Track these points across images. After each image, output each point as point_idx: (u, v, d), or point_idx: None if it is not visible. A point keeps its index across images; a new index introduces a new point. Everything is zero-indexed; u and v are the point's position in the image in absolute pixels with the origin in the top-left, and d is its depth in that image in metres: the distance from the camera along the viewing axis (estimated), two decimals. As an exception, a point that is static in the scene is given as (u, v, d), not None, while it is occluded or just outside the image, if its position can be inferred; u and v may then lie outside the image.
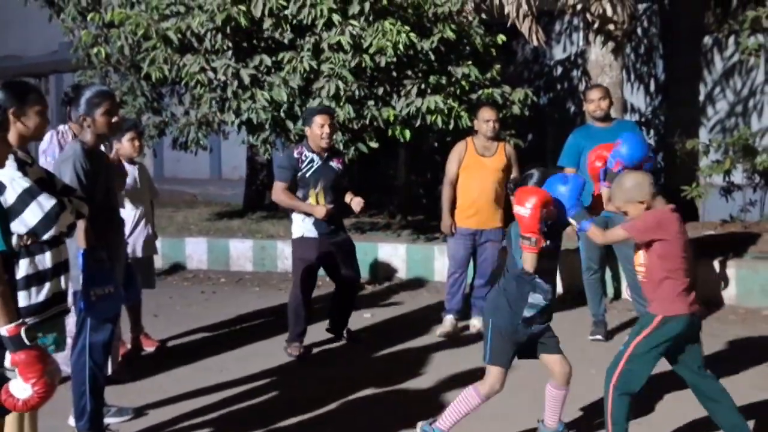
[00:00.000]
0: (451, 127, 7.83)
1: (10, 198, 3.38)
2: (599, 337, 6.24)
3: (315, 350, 6.13)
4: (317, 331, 6.30)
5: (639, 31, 11.29)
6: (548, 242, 3.93)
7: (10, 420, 3.49)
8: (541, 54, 11.90)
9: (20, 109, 3.53)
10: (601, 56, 8.47)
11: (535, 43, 8.36)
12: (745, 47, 8.19)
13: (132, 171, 5.78)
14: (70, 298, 3.93)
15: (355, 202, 5.96)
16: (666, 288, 3.79)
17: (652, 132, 10.99)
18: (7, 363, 2.74)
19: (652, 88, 11.36)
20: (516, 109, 8.19)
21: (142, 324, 6.07)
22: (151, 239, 5.99)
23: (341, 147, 7.66)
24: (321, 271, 6.18)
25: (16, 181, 3.42)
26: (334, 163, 5.99)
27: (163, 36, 7.93)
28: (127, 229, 5.68)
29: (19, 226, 3.41)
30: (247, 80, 7.77)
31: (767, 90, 10.31)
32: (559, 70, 11.94)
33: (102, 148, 5.09)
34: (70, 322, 4.15)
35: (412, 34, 7.53)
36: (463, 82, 7.93)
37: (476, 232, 6.38)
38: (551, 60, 11.99)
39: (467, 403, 4.04)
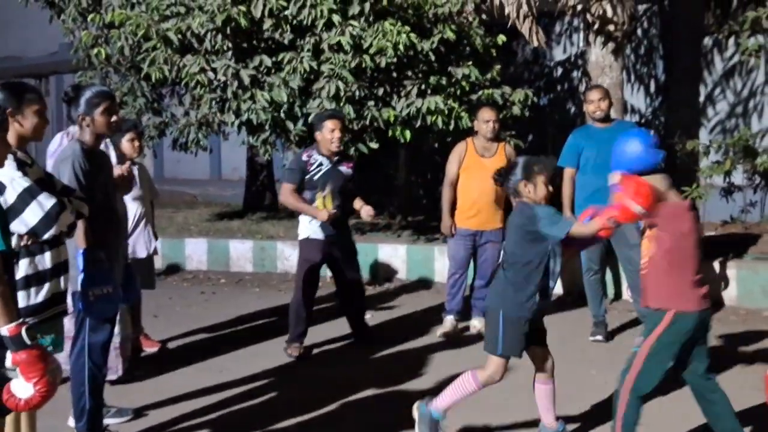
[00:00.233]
0: (451, 127, 7.83)
1: (10, 198, 3.38)
2: (599, 337, 6.23)
3: (315, 351, 6.13)
4: (317, 332, 6.30)
5: (639, 32, 11.29)
6: None
7: (8, 421, 3.49)
8: (541, 55, 11.90)
9: (18, 109, 3.53)
10: (601, 57, 8.46)
11: (536, 43, 8.36)
12: (745, 48, 8.18)
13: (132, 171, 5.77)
14: (69, 299, 3.93)
15: (365, 211, 6.00)
16: (675, 283, 3.74)
17: (652, 133, 10.98)
18: (8, 363, 2.74)
19: (652, 89, 11.36)
20: (516, 110, 8.18)
21: (141, 324, 6.07)
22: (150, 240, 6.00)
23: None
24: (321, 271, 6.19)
25: (16, 181, 3.42)
26: (343, 168, 6.02)
27: (163, 37, 7.93)
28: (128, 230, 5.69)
29: (20, 225, 3.41)
30: (247, 81, 7.77)
31: (767, 91, 10.31)
32: (560, 70, 11.94)
33: (111, 150, 5.14)
34: (68, 322, 4.14)
35: (412, 35, 7.53)
36: (464, 83, 7.93)
37: (476, 233, 6.38)
38: (551, 61, 11.99)
39: (464, 388, 4.08)
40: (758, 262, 7.29)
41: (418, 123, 7.86)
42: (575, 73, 11.62)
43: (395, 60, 7.55)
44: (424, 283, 8.33)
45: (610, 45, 8.39)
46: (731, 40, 10.03)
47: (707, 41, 10.70)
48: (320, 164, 5.92)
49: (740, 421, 4.08)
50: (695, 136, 9.46)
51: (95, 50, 8.95)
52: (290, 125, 7.95)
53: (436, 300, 7.49)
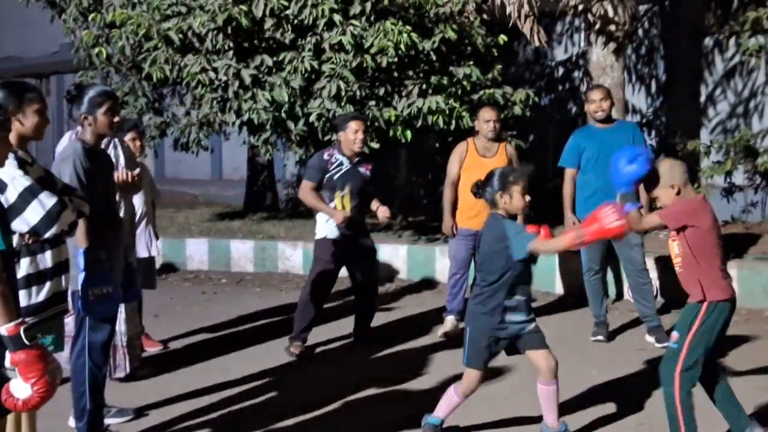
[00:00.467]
0: (452, 127, 7.83)
1: (11, 196, 3.38)
2: (601, 338, 6.22)
3: (316, 350, 6.12)
4: (318, 332, 6.29)
5: (640, 32, 11.29)
6: None
7: (8, 421, 3.48)
8: (542, 55, 11.90)
9: (19, 108, 3.52)
10: (603, 57, 8.46)
11: (537, 43, 8.36)
12: (745, 48, 8.18)
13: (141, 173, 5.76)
14: (69, 298, 3.93)
15: (381, 211, 6.04)
16: (706, 275, 3.84)
17: (653, 133, 10.99)
18: (8, 363, 2.73)
19: (653, 89, 11.36)
20: (517, 110, 8.18)
21: (143, 324, 6.06)
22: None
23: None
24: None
25: (17, 180, 3.41)
26: (363, 169, 6.06)
27: (164, 36, 7.93)
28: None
29: (21, 224, 3.41)
30: (248, 80, 7.77)
31: (768, 91, 10.32)
32: (561, 70, 11.95)
33: (120, 150, 5.12)
34: (69, 322, 4.14)
35: (413, 35, 7.53)
36: (465, 83, 7.93)
37: (477, 233, 6.33)
38: (552, 61, 12.00)
39: (449, 401, 4.21)
40: (759, 262, 7.29)
41: (419, 123, 7.86)
42: (576, 73, 11.62)
43: (396, 60, 7.55)
44: (425, 284, 8.32)
45: (611, 45, 8.39)
46: (732, 41, 10.04)
47: (708, 41, 10.71)
48: (341, 164, 5.96)
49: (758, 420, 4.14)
50: (696, 136, 9.45)
51: (96, 50, 8.96)
52: (291, 125, 7.95)
53: (437, 300, 7.48)
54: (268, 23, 7.69)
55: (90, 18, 9.09)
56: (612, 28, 8.33)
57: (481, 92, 8.02)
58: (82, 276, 3.89)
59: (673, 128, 9.80)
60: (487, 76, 8.16)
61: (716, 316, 3.85)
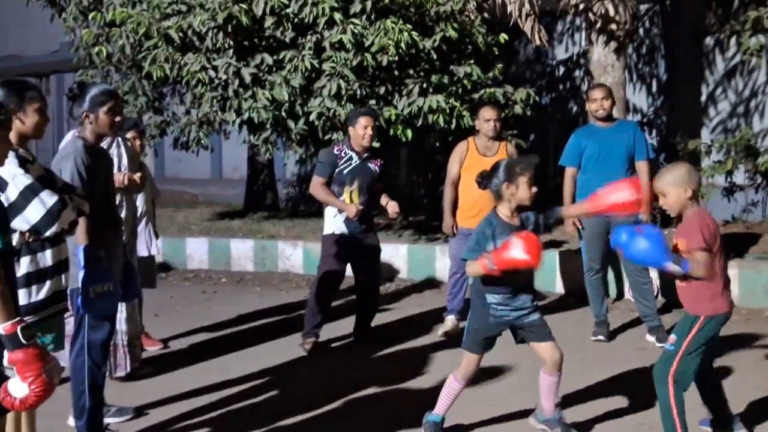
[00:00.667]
0: (452, 126, 7.82)
1: (12, 195, 3.37)
2: (601, 337, 6.21)
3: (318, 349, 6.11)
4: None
5: (641, 31, 11.28)
6: None
7: (8, 420, 3.48)
8: (543, 54, 11.89)
9: (19, 107, 3.52)
10: (604, 56, 8.45)
11: (538, 42, 8.35)
12: (746, 48, 8.17)
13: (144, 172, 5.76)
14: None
15: (391, 206, 6.05)
16: (708, 289, 3.87)
17: (654, 132, 10.98)
18: (6, 362, 2.72)
19: (654, 88, 11.35)
20: (518, 109, 8.18)
21: (143, 324, 6.05)
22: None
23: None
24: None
25: (18, 178, 3.41)
26: (372, 164, 6.09)
27: (164, 35, 7.93)
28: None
29: (21, 222, 3.40)
30: (248, 79, 7.76)
31: (769, 91, 10.31)
32: (562, 69, 11.94)
33: (123, 149, 5.12)
34: (69, 321, 4.13)
35: (414, 33, 7.52)
36: (465, 82, 7.92)
37: (478, 233, 6.35)
38: (553, 60, 11.99)
39: (450, 389, 4.23)
40: (760, 261, 7.28)
41: (420, 122, 7.85)
42: (577, 72, 11.62)
43: (397, 58, 7.54)
44: (425, 283, 8.32)
45: (612, 44, 8.39)
46: (733, 40, 10.02)
47: (709, 41, 10.70)
48: (350, 159, 6.00)
49: (743, 420, 4.21)
50: (697, 136, 9.45)
51: (96, 49, 8.95)
52: (291, 124, 7.94)
53: (437, 299, 7.48)
54: (269, 22, 7.68)
55: (90, 17, 9.09)
56: (613, 27, 8.32)
57: (482, 91, 8.01)
58: (81, 274, 3.88)
59: (674, 127, 9.79)
60: (487, 75, 8.15)
61: (713, 326, 3.90)
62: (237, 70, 7.77)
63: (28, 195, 3.40)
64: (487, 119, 6.29)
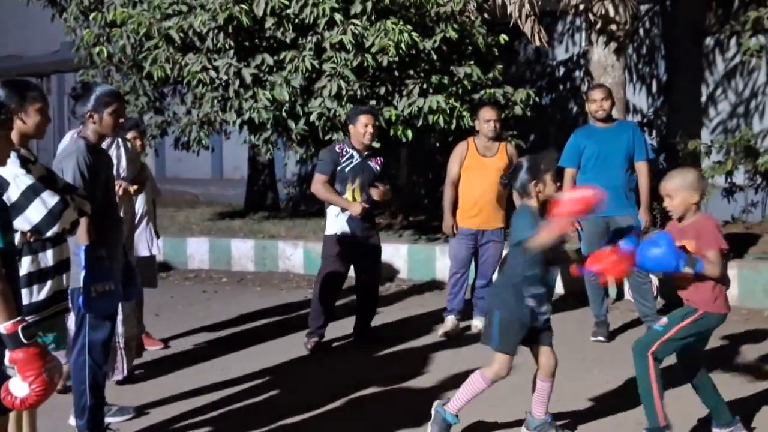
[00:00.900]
0: (453, 127, 7.83)
1: (13, 195, 3.38)
2: (601, 338, 6.22)
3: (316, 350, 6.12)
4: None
5: (641, 31, 11.28)
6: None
7: (9, 420, 3.48)
8: (543, 54, 11.89)
9: (21, 107, 3.53)
10: (604, 57, 8.46)
11: (538, 43, 8.35)
12: (746, 48, 8.18)
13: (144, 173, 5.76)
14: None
15: (374, 191, 6.00)
16: (710, 286, 3.94)
17: (654, 133, 10.99)
18: (7, 361, 2.73)
19: (654, 88, 11.35)
20: (518, 110, 8.18)
21: (143, 323, 6.06)
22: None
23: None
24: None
25: (19, 178, 3.41)
26: (373, 162, 6.10)
27: (165, 35, 7.93)
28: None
29: (23, 222, 3.41)
30: (248, 79, 7.76)
31: (769, 91, 10.31)
32: (562, 70, 11.94)
33: (122, 149, 5.12)
34: (71, 321, 4.14)
35: (414, 34, 7.53)
36: (466, 82, 7.93)
37: (478, 233, 6.37)
38: (553, 60, 11.99)
39: (474, 387, 4.15)
40: (760, 261, 7.29)
41: (420, 122, 7.86)
42: (577, 73, 11.62)
43: (397, 59, 7.55)
44: (425, 283, 8.33)
45: (612, 45, 8.39)
46: (733, 40, 10.03)
47: (709, 41, 10.70)
48: (351, 157, 6.03)
49: (742, 421, 4.23)
50: (697, 136, 9.45)
51: (97, 49, 8.96)
52: (292, 124, 7.95)
53: (437, 299, 7.49)
54: (269, 22, 7.69)
55: (91, 17, 9.09)
56: (613, 27, 8.32)
57: (482, 92, 8.01)
58: (83, 273, 3.89)
59: (674, 128, 9.79)
60: (487, 75, 8.16)
61: (708, 323, 4.00)
62: (238, 71, 7.77)
63: (29, 195, 3.41)
64: (487, 120, 6.30)
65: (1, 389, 2.72)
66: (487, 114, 6.33)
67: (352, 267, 6.21)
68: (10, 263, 2.89)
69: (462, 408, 4.19)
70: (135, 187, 5.14)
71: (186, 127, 8.58)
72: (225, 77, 7.85)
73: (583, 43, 10.80)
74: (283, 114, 7.86)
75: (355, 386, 5.16)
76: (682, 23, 10.65)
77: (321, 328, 6.08)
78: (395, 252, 8.67)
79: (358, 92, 7.64)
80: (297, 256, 9.03)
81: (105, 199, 4.15)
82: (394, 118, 7.72)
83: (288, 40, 7.87)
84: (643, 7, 10.99)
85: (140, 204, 5.83)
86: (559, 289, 7.73)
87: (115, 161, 4.98)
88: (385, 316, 7.01)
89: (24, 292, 3.45)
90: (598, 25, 8.38)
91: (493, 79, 8.25)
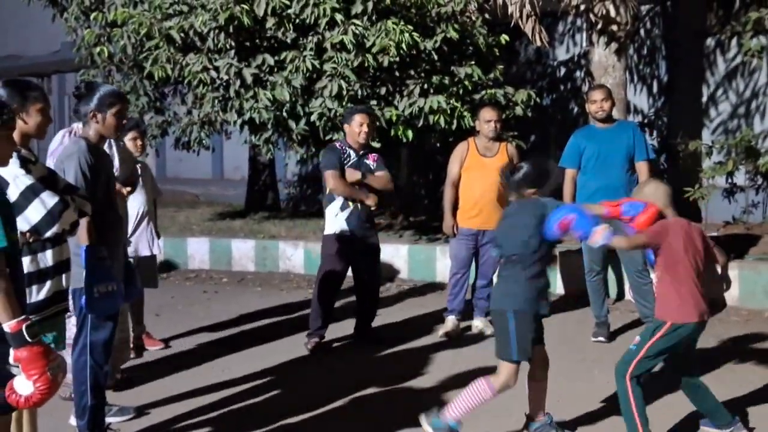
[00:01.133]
0: (453, 127, 7.83)
1: (13, 195, 3.37)
2: (602, 338, 6.22)
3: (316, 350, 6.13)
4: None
5: (642, 32, 11.28)
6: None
7: (11, 419, 3.49)
8: (544, 54, 11.89)
9: (22, 107, 3.53)
10: (604, 57, 8.46)
11: (538, 43, 8.35)
12: (747, 49, 8.17)
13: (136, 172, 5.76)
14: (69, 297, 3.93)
15: (370, 200, 6.06)
16: (673, 295, 3.94)
17: (654, 133, 10.99)
18: (11, 359, 2.74)
19: (655, 89, 11.35)
20: (519, 110, 8.19)
21: (144, 323, 6.07)
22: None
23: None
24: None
25: (19, 179, 3.41)
26: (368, 160, 6.15)
27: (165, 35, 7.94)
28: (130, 228, 5.68)
29: (22, 223, 3.41)
30: (249, 79, 7.77)
31: (770, 92, 10.31)
32: (562, 70, 11.94)
33: (114, 149, 5.12)
34: (71, 321, 4.14)
35: (415, 34, 7.53)
36: (466, 82, 7.93)
37: (478, 233, 6.37)
38: (554, 61, 11.99)
39: (479, 396, 4.01)
40: (760, 262, 7.29)
41: (421, 122, 7.86)
42: (578, 73, 11.61)
43: (398, 59, 7.55)
44: (426, 283, 8.33)
45: (613, 45, 8.39)
46: (734, 41, 10.04)
47: (710, 42, 10.70)
48: (348, 155, 6.08)
49: (742, 421, 4.24)
50: (698, 137, 9.45)
51: (98, 49, 8.97)
52: (292, 124, 7.95)
53: (437, 300, 7.49)
54: (270, 22, 7.70)
55: (91, 17, 9.10)
56: (614, 28, 8.32)
57: (483, 92, 8.02)
58: (84, 274, 3.89)
59: (675, 128, 9.79)
60: (488, 75, 8.16)
61: (678, 335, 3.96)
62: (238, 71, 7.78)
63: (29, 195, 3.41)
64: (487, 120, 6.30)
65: (6, 388, 2.73)
66: (488, 114, 6.33)
67: (351, 267, 6.21)
68: (15, 262, 2.90)
69: (463, 416, 4.06)
70: (128, 189, 5.15)
71: (187, 127, 8.59)
72: (226, 77, 7.85)
73: (584, 44, 10.80)
74: (284, 114, 7.86)
75: (355, 386, 5.16)
76: (682, 24, 10.65)
77: (321, 328, 6.10)
78: (396, 252, 8.67)
79: (359, 92, 7.64)
80: (297, 256, 9.03)
81: (106, 199, 4.14)
82: (394, 118, 7.73)
83: (289, 40, 7.87)
84: (644, 8, 10.99)
85: (141, 204, 5.83)
86: (560, 289, 7.74)
87: (110, 160, 4.98)
88: (385, 316, 7.01)
89: (24, 292, 3.46)
90: (599, 26, 8.38)
91: (493, 80, 8.26)
